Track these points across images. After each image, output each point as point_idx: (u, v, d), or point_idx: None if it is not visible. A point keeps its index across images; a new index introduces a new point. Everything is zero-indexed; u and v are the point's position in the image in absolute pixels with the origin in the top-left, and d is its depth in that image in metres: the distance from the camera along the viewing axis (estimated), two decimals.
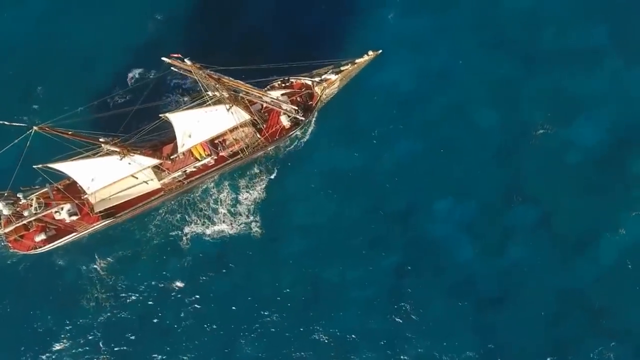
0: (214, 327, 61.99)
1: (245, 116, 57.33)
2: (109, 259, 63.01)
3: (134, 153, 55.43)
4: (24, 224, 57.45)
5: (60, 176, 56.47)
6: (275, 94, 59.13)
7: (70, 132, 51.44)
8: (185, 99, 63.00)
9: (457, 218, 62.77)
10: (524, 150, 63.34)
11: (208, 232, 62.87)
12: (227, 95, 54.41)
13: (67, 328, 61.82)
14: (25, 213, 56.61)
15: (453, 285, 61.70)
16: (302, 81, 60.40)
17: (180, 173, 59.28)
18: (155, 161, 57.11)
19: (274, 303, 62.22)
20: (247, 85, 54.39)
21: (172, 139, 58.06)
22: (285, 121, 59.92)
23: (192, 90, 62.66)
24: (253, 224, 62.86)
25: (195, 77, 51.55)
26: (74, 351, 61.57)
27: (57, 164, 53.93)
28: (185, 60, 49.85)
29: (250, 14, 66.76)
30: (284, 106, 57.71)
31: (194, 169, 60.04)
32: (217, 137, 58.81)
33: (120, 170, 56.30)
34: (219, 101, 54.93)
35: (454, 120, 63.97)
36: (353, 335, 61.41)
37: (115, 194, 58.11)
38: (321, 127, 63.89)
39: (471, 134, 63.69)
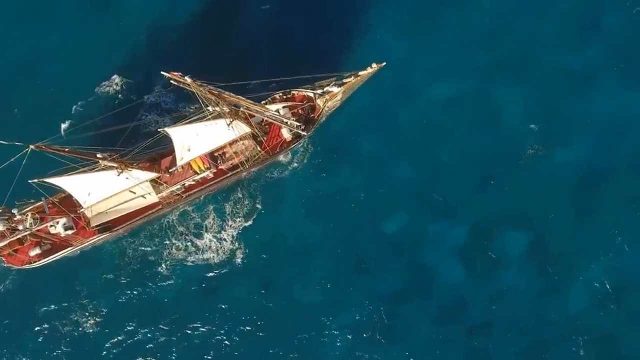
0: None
1: (245, 129, 56.08)
2: (87, 284, 61.38)
3: (132, 167, 54.06)
4: (18, 238, 55.95)
5: (55, 190, 55.24)
6: (276, 107, 57.84)
7: (67, 149, 50.04)
8: (165, 119, 61.86)
9: (447, 242, 60.94)
10: (515, 172, 61.55)
11: (190, 258, 60.89)
12: (227, 110, 53.06)
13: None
14: (20, 227, 55.15)
15: (443, 310, 60.04)
16: (304, 93, 59.18)
17: (178, 186, 57.95)
18: (152, 175, 55.82)
19: (259, 329, 60.67)
20: (248, 100, 53.09)
21: (171, 151, 56.77)
22: (286, 134, 58.73)
23: (173, 110, 61.72)
24: (238, 251, 61.18)
25: (196, 94, 50.12)
26: None
27: (53, 179, 52.63)
28: (186, 77, 48.46)
29: (249, 27, 65.81)
30: (286, 121, 56.32)
31: (193, 182, 58.71)
32: (217, 150, 57.44)
33: (117, 184, 55.03)
34: (219, 115, 53.59)
35: (444, 141, 62.49)
36: None
37: (112, 207, 56.76)
38: (308, 148, 62.74)
39: (462, 156, 62.29)
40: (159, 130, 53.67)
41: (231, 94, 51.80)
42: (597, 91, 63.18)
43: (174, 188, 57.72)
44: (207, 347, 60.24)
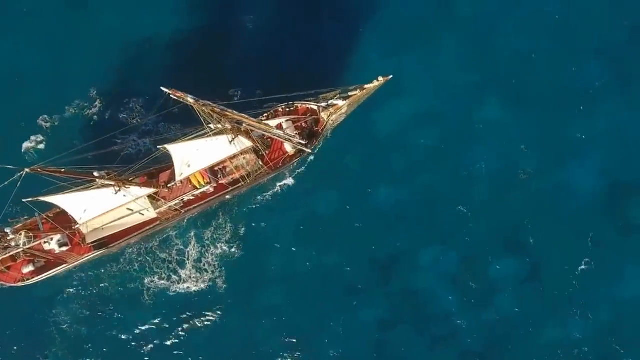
0: None
1: (247, 143, 54.20)
2: (67, 311, 59.50)
3: (130, 185, 52.10)
4: (11, 255, 53.99)
5: (49, 206, 53.31)
6: (279, 120, 56.04)
7: (63, 170, 47.96)
8: (146, 140, 59.75)
9: (441, 268, 59.24)
10: (512, 196, 59.72)
11: (172, 287, 59.16)
12: (229, 127, 51.13)
13: None
14: (12, 244, 53.18)
15: (436, 339, 58.42)
16: (307, 106, 57.25)
17: (177, 202, 56.05)
18: (150, 190, 53.92)
19: None
20: (251, 119, 51.17)
21: (170, 165, 54.90)
22: (289, 148, 56.89)
23: (155, 133, 59.39)
24: (219, 279, 59.29)
25: (197, 112, 48.13)
26: None
27: (48, 197, 50.80)
28: (188, 98, 46.42)
29: (242, 39, 64.00)
30: (291, 139, 54.47)
31: (192, 197, 56.83)
32: (217, 164, 55.53)
33: (114, 201, 53.09)
34: (220, 132, 51.66)
35: (439, 165, 60.49)
36: None
37: (108, 223, 54.83)
38: (298, 169, 60.62)
39: (456, 179, 60.38)
40: (158, 147, 51.67)
41: (234, 111, 49.82)
42: (594, 111, 61.24)
43: (172, 203, 55.85)
44: None
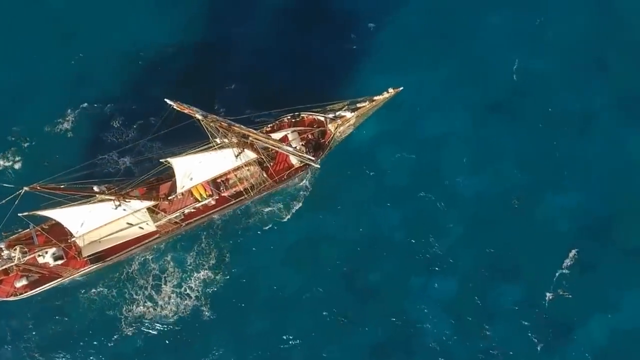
0: None
1: (250, 155, 52.18)
2: (40, 335, 56.42)
3: (130, 199, 49.97)
4: (4, 268, 51.73)
5: (44, 218, 51.06)
6: (284, 132, 54.17)
7: (62, 186, 45.69)
8: (126, 159, 57.29)
9: (434, 295, 56.82)
10: (508, 220, 58.04)
11: (151, 314, 56.24)
12: (236, 141, 49.12)
13: None
14: (5, 256, 50.93)
15: None
16: (314, 117, 55.33)
17: (177, 214, 53.98)
18: (148, 203, 51.82)
19: None
20: (258, 133, 49.18)
21: (170, 176, 52.86)
22: (294, 160, 54.98)
23: (137, 153, 56.68)
24: (204, 307, 56.46)
25: (204, 127, 46.08)
26: None
27: (44, 212, 48.59)
28: (197, 115, 44.37)
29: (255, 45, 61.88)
30: (299, 153, 52.60)
31: (194, 210, 54.78)
32: (220, 176, 53.52)
33: (112, 214, 50.88)
34: (226, 146, 49.66)
35: (433, 187, 58.71)
36: None
37: (105, 236, 52.63)
38: (287, 190, 58.39)
39: (451, 203, 58.44)
40: (160, 160, 49.49)
41: (241, 126, 47.82)
42: (596, 135, 59.88)
43: (172, 216, 53.76)
44: None
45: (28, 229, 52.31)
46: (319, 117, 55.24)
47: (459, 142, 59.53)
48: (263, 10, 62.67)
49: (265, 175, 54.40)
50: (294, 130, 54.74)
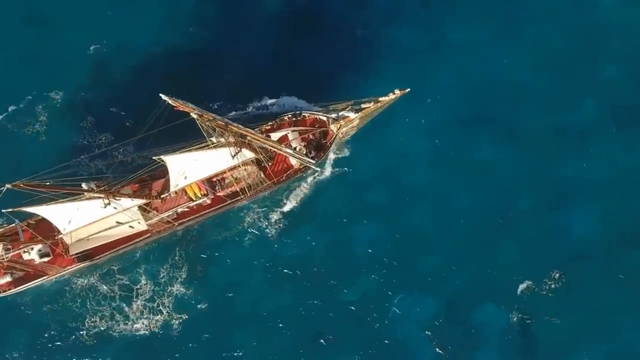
0: None
1: (248, 154, 49.93)
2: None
3: (120, 197, 47.72)
4: None
5: (31, 214, 48.96)
6: (284, 131, 52.05)
7: (47, 184, 43.38)
8: (97, 162, 54.38)
9: (418, 315, 54.35)
10: (499, 240, 55.56)
11: (118, 328, 53.16)
12: (233, 141, 46.83)
13: None
14: None
15: None
16: (316, 116, 53.10)
17: (170, 213, 51.78)
18: (139, 201, 49.62)
19: None
20: (255, 133, 46.91)
21: (164, 173, 50.70)
22: (294, 161, 52.76)
23: (108, 154, 54.10)
24: (175, 321, 53.55)
25: (199, 125, 43.76)
26: None
27: (31, 208, 46.49)
28: (193, 114, 42.03)
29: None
30: (298, 156, 50.34)
31: (187, 209, 52.56)
32: (216, 175, 51.28)
33: (101, 211, 48.71)
34: (222, 145, 47.40)
35: (417, 205, 56.16)
36: None
37: (94, 234, 50.44)
38: (266, 203, 55.72)
39: (438, 221, 55.98)
40: (153, 158, 47.17)
41: (239, 125, 45.53)
42: (594, 153, 57.54)
43: (164, 215, 51.55)
44: None
45: (13, 224, 50.03)
46: (321, 117, 53.09)
47: (443, 157, 57.15)
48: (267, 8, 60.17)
49: (263, 176, 52.17)
50: (295, 130, 52.53)
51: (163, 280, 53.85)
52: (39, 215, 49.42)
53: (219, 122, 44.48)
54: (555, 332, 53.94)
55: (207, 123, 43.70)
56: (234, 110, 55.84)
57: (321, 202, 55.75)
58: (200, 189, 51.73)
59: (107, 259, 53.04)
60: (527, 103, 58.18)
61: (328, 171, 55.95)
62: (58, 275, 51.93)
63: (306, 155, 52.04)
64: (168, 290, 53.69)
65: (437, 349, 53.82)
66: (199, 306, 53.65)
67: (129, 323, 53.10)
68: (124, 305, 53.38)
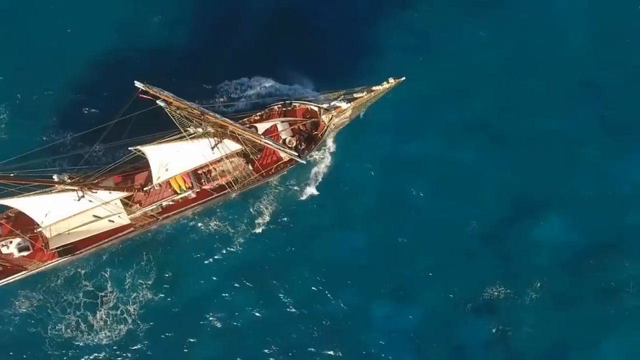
0: None
1: (234, 146, 47.53)
2: None
3: (97, 189, 45.66)
4: None
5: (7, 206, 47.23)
6: (273, 121, 49.60)
7: (12, 175, 41.39)
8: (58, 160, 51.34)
9: (398, 326, 52.21)
10: (481, 250, 53.37)
11: (81, 338, 50.89)
12: (212, 131, 44.44)
13: None
14: None
15: None
16: (307, 106, 50.58)
17: (154, 207, 49.68)
18: (121, 194, 47.55)
19: None
20: (234, 123, 44.43)
21: (147, 165, 48.43)
22: (283, 153, 50.16)
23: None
24: (140, 331, 51.29)
25: (170, 115, 41.32)
26: None
27: (3, 200, 44.56)
28: (159, 102, 39.63)
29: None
30: (281, 148, 47.83)
31: (172, 203, 50.41)
32: (201, 167, 49.00)
33: (80, 204, 46.74)
34: (202, 136, 45.07)
35: (401, 211, 53.85)
36: None
37: (74, 228, 48.51)
38: (240, 207, 53.32)
39: (422, 229, 53.61)
40: (130, 148, 44.98)
41: (216, 115, 43.07)
42: (581, 164, 55.08)
43: (148, 209, 49.45)
44: None
45: None
46: (312, 107, 50.55)
47: (430, 164, 54.64)
48: None
49: (250, 169, 49.79)
50: (284, 121, 50.03)
51: (128, 286, 51.79)
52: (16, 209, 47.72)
53: (194, 110, 41.98)
54: (535, 342, 52.31)
55: (178, 112, 41.19)
56: (219, 98, 53.65)
57: (298, 208, 53.60)
58: (185, 182, 49.53)
59: (88, 254, 51.11)
60: (511, 110, 55.69)
61: (305, 175, 53.74)
62: (38, 270, 50.10)
63: (296, 147, 49.61)
64: (133, 297, 51.63)
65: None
66: (165, 314, 51.59)
67: (92, 333, 51.11)
68: (89, 314, 51.40)
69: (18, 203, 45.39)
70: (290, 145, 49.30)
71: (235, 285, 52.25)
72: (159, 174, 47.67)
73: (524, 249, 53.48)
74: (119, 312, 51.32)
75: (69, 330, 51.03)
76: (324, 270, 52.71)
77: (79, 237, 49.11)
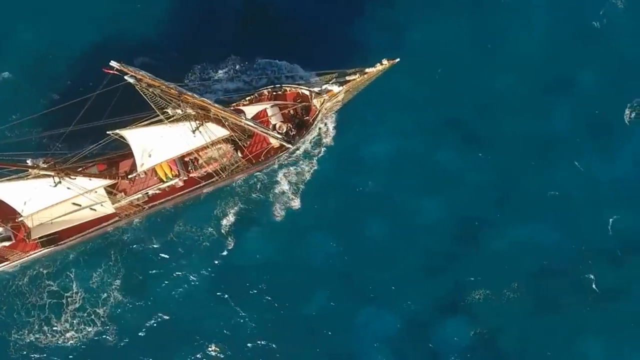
0: None
1: (222, 132, 45.52)
2: None
3: (75, 175, 43.89)
4: None
5: None
6: (262, 106, 47.51)
7: None
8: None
9: (377, 330, 50.55)
10: (459, 252, 51.50)
11: (46, 340, 49.11)
12: (193, 113, 42.41)
13: None
14: None
15: None
16: (298, 90, 48.51)
17: (140, 195, 47.89)
18: (103, 182, 45.77)
19: None
20: (214, 105, 42.38)
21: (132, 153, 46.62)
22: (273, 140, 48.09)
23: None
24: (109, 334, 49.61)
25: (142, 94, 39.22)
26: None
27: None
28: (128, 78, 37.60)
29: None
30: (272, 136, 45.85)
31: (158, 192, 48.58)
32: (188, 154, 47.06)
33: (60, 193, 45.07)
34: (180, 119, 43.07)
35: (380, 213, 51.62)
36: None
37: (57, 217, 46.87)
38: (215, 207, 51.47)
39: (400, 231, 51.50)
40: (107, 132, 43.09)
41: (194, 95, 41.02)
42: (558, 163, 52.75)
43: (132, 197, 47.68)
44: None
45: None
46: (302, 91, 48.41)
47: (410, 165, 52.36)
48: None
49: (239, 156, 47.78)
50: (274, 105, 47.92)
51: (95, 286, 50.06)
52: None
53: (172, 90, 39.98)
54: (514, 344, 51.09)
55: (151, 90, 39.14)
56: (205, 80, 51.72)
57: (275, 210, 51.73)
58: (171, 169, 47.66)
59: (74, 244, 49.47)
60: (495, 110, 53.08)
61: (280, 175, 51.85)
62: (21, 261, 48.63)
63: (286, 133, 47.55)
64: (102, 298, 49.88)
65: None
66: (135, 318, 49.86)
67: (57, 335, 49.41)
68: (53, 316, 49.71)
69: None
70: (280, 131, 47.18)
71: (208, 288, 50.58)
72: (142, 161, 45.82)
73: (502, 250, 51.58)
74: (85, 314, 49.76)
75: (33, 334, 49.56)
76: (301, 274, 51.10)
77: (63, 226, 47.46)
